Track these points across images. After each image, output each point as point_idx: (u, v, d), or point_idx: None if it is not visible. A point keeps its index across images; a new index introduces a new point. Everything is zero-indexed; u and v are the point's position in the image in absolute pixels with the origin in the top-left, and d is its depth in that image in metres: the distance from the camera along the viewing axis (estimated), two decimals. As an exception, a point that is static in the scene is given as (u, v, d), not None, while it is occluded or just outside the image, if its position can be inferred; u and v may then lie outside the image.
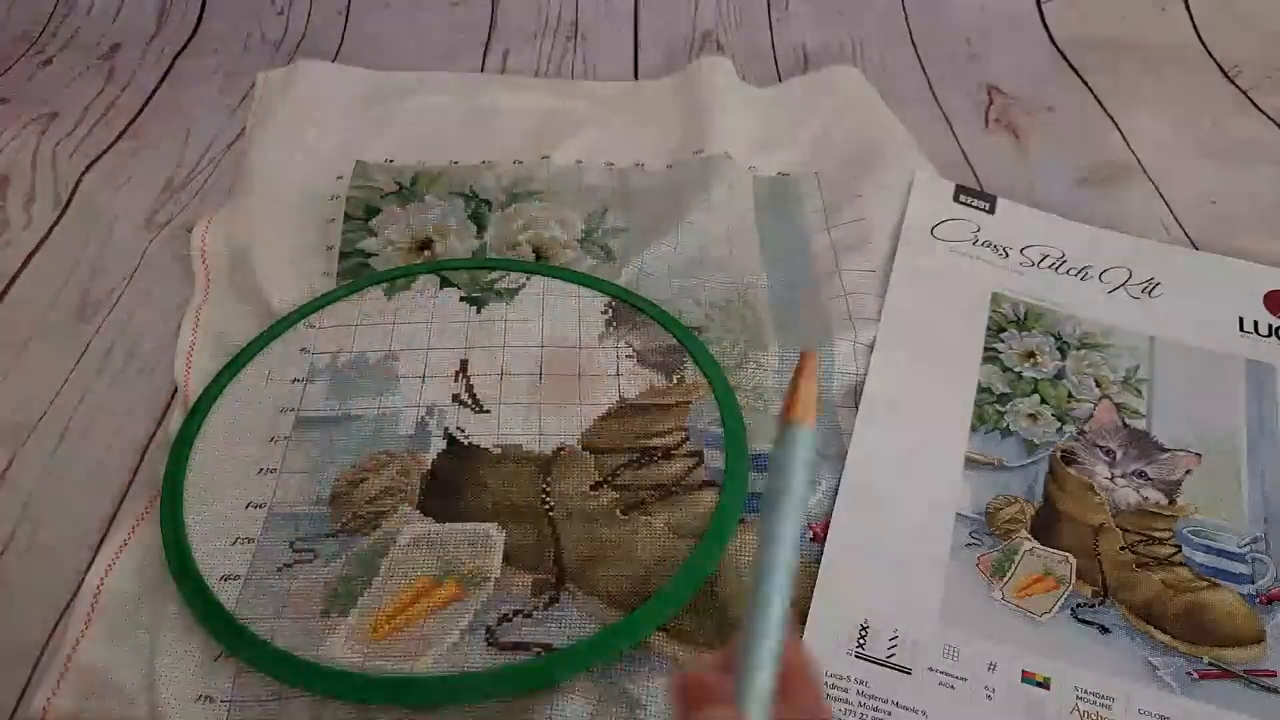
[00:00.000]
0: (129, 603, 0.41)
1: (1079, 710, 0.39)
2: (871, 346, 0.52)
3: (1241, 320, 0.55)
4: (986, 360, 0.53)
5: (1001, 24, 0.83)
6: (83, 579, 0.42)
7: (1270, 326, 0.55)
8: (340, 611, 0.41)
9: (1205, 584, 0.44)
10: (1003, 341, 0.54)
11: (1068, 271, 0.58)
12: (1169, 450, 0.49)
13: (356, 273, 0.57)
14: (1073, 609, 0.43)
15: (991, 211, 0.61)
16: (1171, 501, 0.47)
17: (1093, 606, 0.43)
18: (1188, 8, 0.83)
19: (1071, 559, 0.45)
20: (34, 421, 0.49)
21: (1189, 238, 0.62)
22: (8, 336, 0.54)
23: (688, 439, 0.48)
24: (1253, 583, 0.44)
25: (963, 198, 0.62)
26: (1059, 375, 0.53)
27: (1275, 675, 0.41)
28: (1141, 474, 0.48)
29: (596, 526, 0.44)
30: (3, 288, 0.56)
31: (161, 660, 0.39)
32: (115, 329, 0.54)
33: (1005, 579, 0.44)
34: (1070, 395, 0.52)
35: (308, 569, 0.42)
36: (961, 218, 0.60)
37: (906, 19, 0.84)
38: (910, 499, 0.46)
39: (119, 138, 0.69)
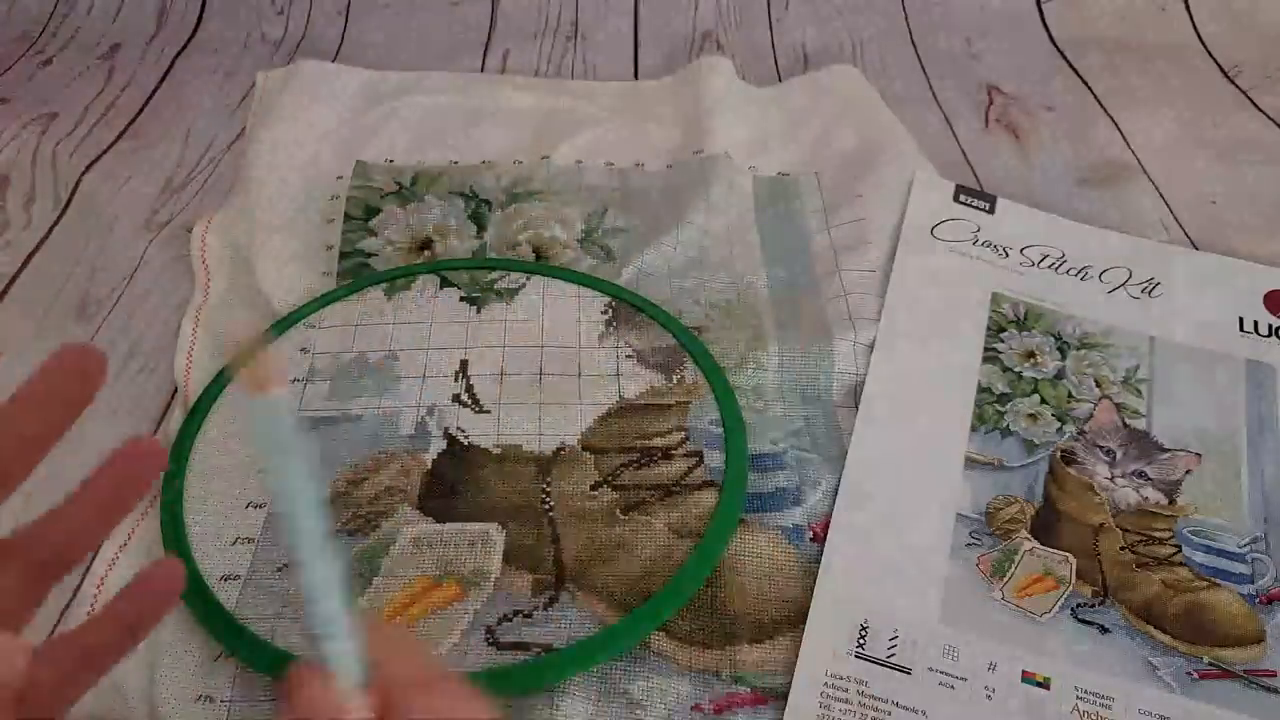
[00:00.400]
0: (129, 603, 0.41)
1: (1079, 710, 0.39)
2: (871, 346, 0.52)
3: (1241, 320, 0.55)
4: (986, 360, 0.53)
5: (1001, 24, 0.83)
6: (83, 579, 0.42)
7: (1270, 326, 0.55)
8: (340, 611, 0.41)
9: (1205, 584, 0.44)
10: (1003, 341, 0.54)
11: (1068, 271, 0.58)
12: (1169, 450, 0.49)
13: (356, 273, 0.57)
14: (1073, 609, 0.43)
15: (991, 211, 0.61)
16: (1171, 501, 0.47)
17: (1093, 606, 0.43)
18: (1188, 8, 0.83)
19: (1071, 559, 0.45)
20: (34, 421, 0.49)
21: (1189, 238, 0.62)
22: (8, 336, 0.54)
23: (688, 439, 0.48)
24: (1253, 583, 0.44)
25: (963, 198, 0.62)
26: (1059, 375, 0.53)
27: (1275, 675, 0.41)
28: (1141, 474, 0.48)
29: (596, 527, 0.44)
30: (3, 288, 0.56)
31: (161, 660, 0.39)
32: (115, 329, 0.54)
33: (1005, 579, 0.44)
34: (1070, 395, 0.52)
35: (308, 569, 0.42)
36: (961, 218, 0.60)
37: (906, 19, 0.84)
38: (910, 499, 0.46)
39: (119, 138, 0.69)
